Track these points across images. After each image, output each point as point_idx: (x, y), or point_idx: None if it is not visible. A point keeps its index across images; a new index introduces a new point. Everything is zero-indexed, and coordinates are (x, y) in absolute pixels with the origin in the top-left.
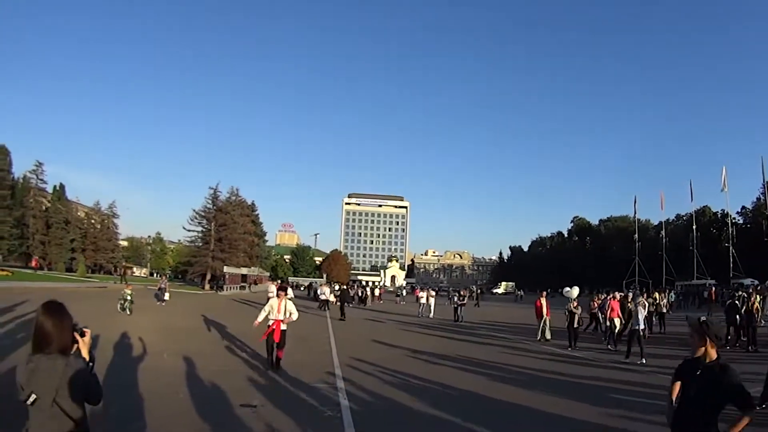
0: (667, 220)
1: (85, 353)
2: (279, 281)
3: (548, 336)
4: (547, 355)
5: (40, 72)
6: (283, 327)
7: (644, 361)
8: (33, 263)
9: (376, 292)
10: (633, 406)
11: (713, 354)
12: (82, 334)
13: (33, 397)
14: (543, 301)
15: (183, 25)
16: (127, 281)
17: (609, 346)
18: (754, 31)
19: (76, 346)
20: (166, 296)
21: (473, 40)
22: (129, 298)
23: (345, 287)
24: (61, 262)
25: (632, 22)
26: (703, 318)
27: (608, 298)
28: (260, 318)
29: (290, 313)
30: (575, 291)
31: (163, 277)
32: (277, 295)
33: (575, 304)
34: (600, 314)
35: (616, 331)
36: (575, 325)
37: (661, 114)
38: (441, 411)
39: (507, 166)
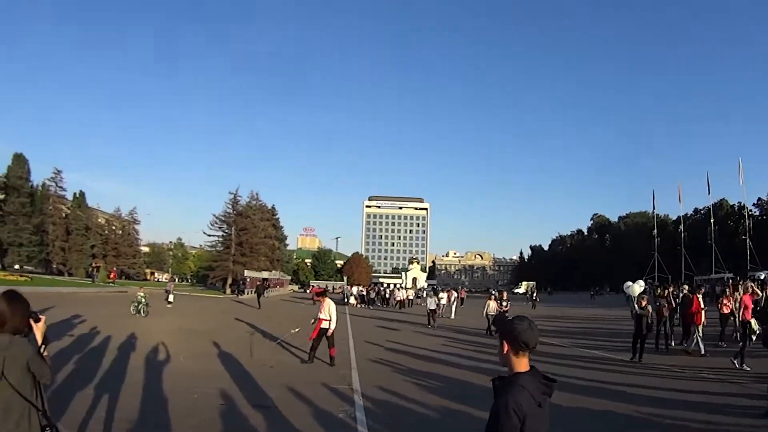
0: (686, 214)
1: (38, 336)
2: (315, 286)
3: (702, 349)
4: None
5: (59, 82)
6: (324, 325)
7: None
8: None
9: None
10: None
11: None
12: (37, 320)
13: None
14: (700, 299)
15: (202, 29)
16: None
17: (734, 361)
18: None
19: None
20: (171, 297)
21: (491, 43)
22: (143, 300)
23: (261, 282)
24: (81, 268)
25: (644, 17)
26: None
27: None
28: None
29: (331, 318)
30: (638, 286)
31: (170, 281)
32: (320, 300)
33: (644, 303)
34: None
35: (755, 337)
36: (644, 331)
37: (676, 107)
38: (456, 417)
39: (525, 165)
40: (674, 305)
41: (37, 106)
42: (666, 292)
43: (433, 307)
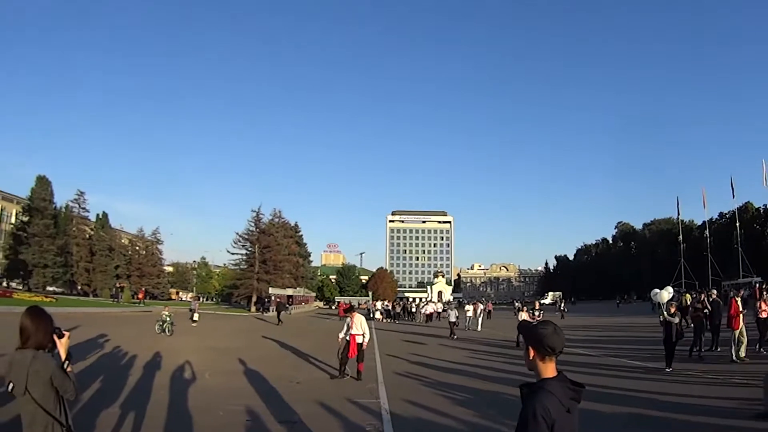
0: (711, 219)
1: (62, 352)
2: (342, 302)
3: (743, 354)
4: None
5: (81, 104)
6: (359, 340)
7: None
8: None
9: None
10: None
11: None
12: (61, 336)
13: (11, 385)
14: (738, 302)
15: (221, 49)
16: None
17: None
18: None
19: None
20: (195, 317)
21: (508, 53)
22: (168, 319)
23: (282, 299)
24: (106, 288)
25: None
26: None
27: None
28: (342, 333)
29: (364, 331)
30: (666, 293)
31: (195, 300)
32: (349, 315)
33: (673, 309)
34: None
35: None
36: (674, 339)
37: (697, 111)
38: (484, 429)
39: (548, 175)
40: (709, 311)
41: (60, 129)
42: (702, 297)
43: (453, 319)
